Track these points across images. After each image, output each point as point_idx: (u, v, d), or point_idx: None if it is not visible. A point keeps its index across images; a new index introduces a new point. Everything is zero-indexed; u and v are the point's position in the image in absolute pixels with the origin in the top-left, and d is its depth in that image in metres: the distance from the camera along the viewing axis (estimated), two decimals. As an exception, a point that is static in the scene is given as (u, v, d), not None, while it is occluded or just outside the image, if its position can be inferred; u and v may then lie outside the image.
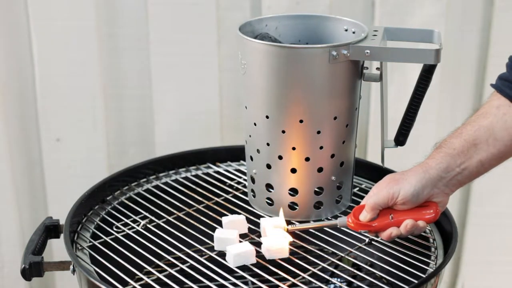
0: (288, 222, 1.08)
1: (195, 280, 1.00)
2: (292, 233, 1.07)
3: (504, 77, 1.01)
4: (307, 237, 1.11)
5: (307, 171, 1.11)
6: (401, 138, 1.17)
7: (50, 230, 1.16)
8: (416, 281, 0.99)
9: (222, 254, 1.06)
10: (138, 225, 1.16)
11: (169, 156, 1.35)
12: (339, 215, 1.15)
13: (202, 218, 1.17)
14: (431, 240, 1.12)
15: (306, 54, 1.05)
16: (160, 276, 1.02)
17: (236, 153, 1.37)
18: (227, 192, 1.26)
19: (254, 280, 1.02)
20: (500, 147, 1.00)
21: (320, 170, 1.12)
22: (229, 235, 1.07)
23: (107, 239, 1.13)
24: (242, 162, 1.36)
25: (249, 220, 1.14)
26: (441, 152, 1.03)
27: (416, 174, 1.02)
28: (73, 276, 1.06)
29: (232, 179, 1.31)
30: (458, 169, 1.01)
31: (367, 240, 1.10)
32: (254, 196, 1.17)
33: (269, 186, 1.14)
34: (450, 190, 1.04)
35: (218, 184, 1.29)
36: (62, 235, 1.12)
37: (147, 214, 1.19)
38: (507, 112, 0.99)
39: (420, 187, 1.01)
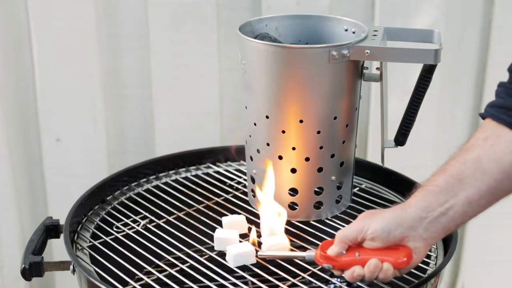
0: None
1: (195, 280, 1.00)
2: (291, 234, 1.07)
3: (499, 104, 0.90)
4: (307, 237, 1.11)
5: (307, 171, 1.11)
6: (401, 138, 1.17)
7: (50, 230, 1.16)
8: (416, 281, 0.99)
9: (222, 254, 1.06)
10: (138, 225, 1.16)
11: (169, 156, 1.35)
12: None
13: (202, 218, 1.17)
14: (431, 240, 1.12)
15: (306, 54, 1.05)
16: (160, 276, 1.02)
17: (236, 153, 1.37)
18: (227, 192, 1.26)
19: (254, 280, 1.02)
20: (489, 182, 0.88)
21: (320, 170, 1.12)
22: (229, 235, 1.07)
23: (107, 239, 1.13)
24: (242, 162, 1.36)
25: (249, 220, 1.14)
26: (422, 190, 0.91)
27: (393, 210, 0.91)
28: (73, 276, 1.06)
29: (232, 179, 1.31)
30: (441, 209, 0.89)
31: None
32: (254, 196, 1.17)
33: (269, 186, 1.14)
34: (431, 237, 0.91)
35: (218, 184, 1.29)
36: (62, 235, 1.12)
37: (147, 214, 1.19)
38: (495, 143, 0.88)
39: (394, 224, 0.90)
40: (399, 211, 0.91)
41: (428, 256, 1.07)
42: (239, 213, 1.16)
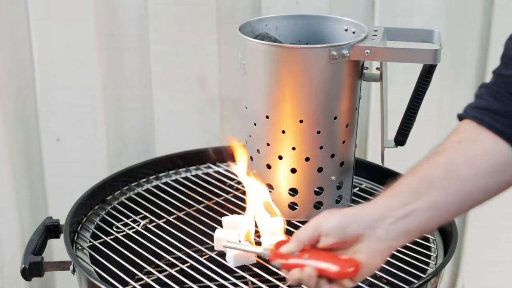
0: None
1: (195, 280, 1.00)
2: (291, 234, 1.06)
3: (482, 106, 0.84)
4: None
5: (307, 171, 1.11)
6: (401, 138, 1.17)
7: (50, 230, 1.16)
8: (416, 281, 0.99)
9: (222, 254, 1.06)
10: (138, 225, 1.16)
11: (169, 156, 1.35)
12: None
13: (202, 218, 1.17)
14: (431, 240, 1.12)
15: (306, 54, 1.05)
16: (160, 276, 1.02)
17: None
18: (227, 192, 1.26)
19: (254, 280, 1.02)
20: (459, 188, 0.81)
21: (320, 170, 1.12)
22: (229, 235, 1.07)
23: (107, 239, 1.13)
24: (242, 162, 1.36)
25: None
26: (389, 190, 0.85)
27: (353, 208, 0.86)
28: (73, 276, 1.06)
29: (232, 179, 1.31)
30: (403, 211, 0.81)
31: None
32: (254, 196, 1.17)
33: (269, 186, 1.14)
34: (389, 240, 0.82)
35: (218, 184, 1.29)
36: (62, 235, 1.12)
37: (147, 214, 1.19)
38: (470, 147, 0.82)
39: (350, 220, 0.83)
40: (358, 209, 0.85)
41: (428, 256, 1.07)
42: (239, 213, 1.16)
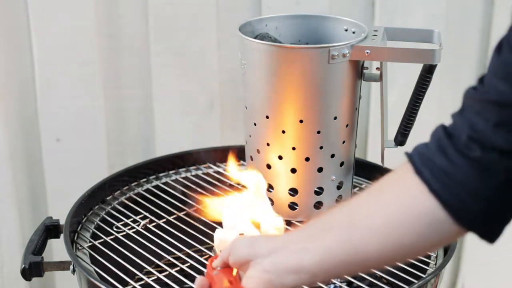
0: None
1: (195, 280, 1.00)
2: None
3: (429, 155, 0.72)
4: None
5: (307, 171, 1.11)
6: (401, 138, 1.17)
7: (50, 230, 1.16)
8: (416, 281, 0.99)
9: (222, 254, 1.06)
10: (138, 225, 1.16)
11: (169, 156, 1.35)
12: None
13: (202, 218, 1.17)
14: (431, 240, 1.12)
15: (306, 54, 1.05)
16: (160, 276, 1.02)
17: (236, 153, 1.37)
18: (227, 192, 1.26)
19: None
20: (352, 237, 0.74)
21: (320, 170, 1.12)
22: (229, 235, 1.07)
23: (107, 239, 1.13)
24: (242, 162, 1.36)
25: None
26: (303, 224, 0.81)
27: (269, 235, 0.84)
28: (73, 276, 1.06)
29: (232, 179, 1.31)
30: (295, 247, 0.76)
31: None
32: (254, 196, 1.17)
33: (269, 186, 1.14)
34: (274, 273, 0.76)
35: (218, 184, 1.29)
36: (62, 235, 1.12)
37: (147, 214, 1.19)
38: (376, 197, 0.75)
39: (245, 243, 0.80)
40: (261, 237, 0.84)
41: (428, 256, 1.07)
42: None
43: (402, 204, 0.72)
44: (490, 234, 0.71)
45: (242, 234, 1.03)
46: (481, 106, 0.69)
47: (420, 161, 0.72)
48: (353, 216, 0.75)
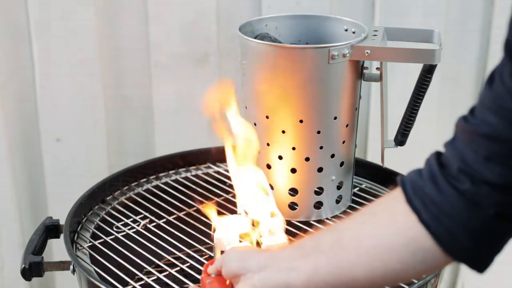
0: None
1: (195, 280, 1.00)
2: (291, 234, 1.06)
3: (421, 184, 0.71)
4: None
5: (307, 171, 1.11)
6: (401, 138, 1.17)
7: (50, 230, 1.16)
8: (416, 281, 0.99)
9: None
10: (138, 225, 1.16)
11: (169, 156, 1.35)
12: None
13: (202, 218, 1.17)
14: (431, 240, 1.12)
15: (306, 54, 1.05)
16: (160, 276, 1.02)
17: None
18: (227, 192, 1.26)
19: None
20: (340, 258, 0.74)
21: (320, 170, 1.12)
22: (229, 235, 1.07)
23: (107, 239, 1.13)
24: (242, 162, 1.36)
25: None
26: (294, 242, 0.83)
27: (255, 249, 0.86)
28: (73, 276, 1.06)
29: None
30: (284, 265, 0.77)
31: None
32: (254, 196, 1.17)
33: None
34: None
35: (218, 184, 1.29)
36: (62, 235, 1.12)
37: (147, 214, 1.19)
38: (366, 221, 0.75)
39: (237, 257, 0.82)
40: (253, 251, 0.85)
41: (428, 256, 1.07)
42: (240, 213, 1.16)
43: (390, 230, 0.72)
44: (480, 265, 0.71)
45: (242, 234, 1.04)
46: (472, 138, 0.67)
47: (412, 190, 0.71)
48: (341, 238, 0.75)
